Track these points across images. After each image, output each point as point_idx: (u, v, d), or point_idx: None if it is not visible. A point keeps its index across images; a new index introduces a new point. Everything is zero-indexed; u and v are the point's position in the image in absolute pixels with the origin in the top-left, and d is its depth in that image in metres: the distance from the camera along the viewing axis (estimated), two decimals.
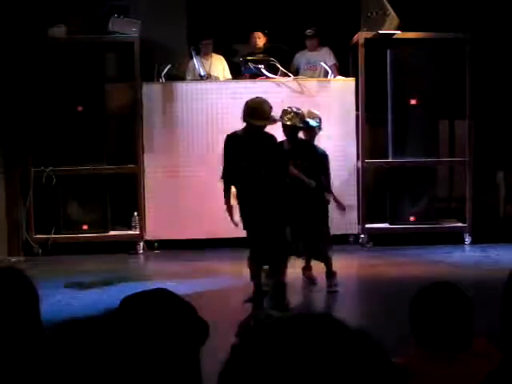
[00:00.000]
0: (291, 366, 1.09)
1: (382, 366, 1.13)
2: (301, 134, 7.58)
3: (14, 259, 9.54)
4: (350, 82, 10.18)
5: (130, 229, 10.02)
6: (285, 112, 7.36)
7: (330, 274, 7.42)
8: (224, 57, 10.90)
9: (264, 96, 9.79)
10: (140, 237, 9.94)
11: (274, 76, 10.12)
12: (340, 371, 1.09)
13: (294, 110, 7.38)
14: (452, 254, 9.47)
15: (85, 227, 10.00)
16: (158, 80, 10.14)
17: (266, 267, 7.33)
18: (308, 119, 7.44)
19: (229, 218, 6.86)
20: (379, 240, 9.96)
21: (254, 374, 1.11)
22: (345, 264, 8.23)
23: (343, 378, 1.09)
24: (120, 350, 1.89)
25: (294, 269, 7.43)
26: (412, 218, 10.17)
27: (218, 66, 10.79)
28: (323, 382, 1.08)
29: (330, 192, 7.52)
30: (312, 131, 7.54)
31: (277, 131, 7.27)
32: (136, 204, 9.97)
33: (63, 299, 7.34)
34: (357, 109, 10.08)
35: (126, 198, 10.10)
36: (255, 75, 10.19)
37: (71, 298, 7.43)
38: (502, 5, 10.88)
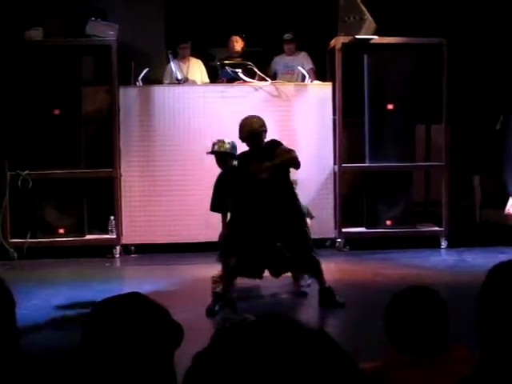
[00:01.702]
0: (251, 370, 1.09)
1: (342, 367, 1.13)
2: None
3: None
4: (327, 87, 10.21)
5: (106, 233, 9.98)
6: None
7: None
8: (202, 61, 10.91)
9: (241, 100, 9.90)
10: (117, 241, 9.91)
11: (251, 80, 10.13)
12: (300, 373, 1.09)
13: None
14: (428, 257, 9.51)
15: (61, 231, 9.95)
16: (135, 83, 10.12)
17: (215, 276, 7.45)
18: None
19: None
20: (356, 244, 9.99)
21: (215, 378, 1.11)
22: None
23: (303, 380, 1.09)
24: (93, 353, 1.88)
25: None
26: (389, 222, 10.20)
27: (196, 69, 10.79)
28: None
29: None
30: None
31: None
32: (112, 208, 9.94)
33: (39, 304, 7.29)
34: (334, 113, 10.11)
35: (103, 201, 10.06)
36: (233, 79, 10.19)
37: (47, 302, 7.38)
38: (477, 11, 10.97)
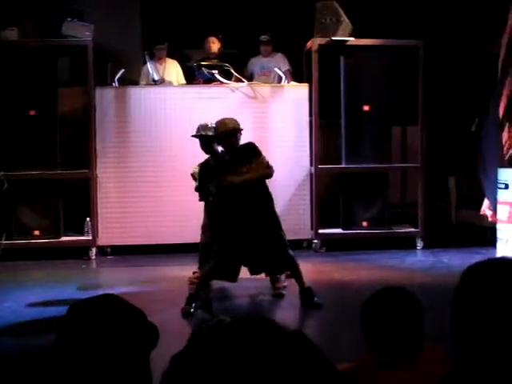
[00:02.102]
0: (227, 372, 1.09)
1: (319, 368, 1.13)
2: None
3: None
4: (304, 88, 10.22)
5: (82, 234, 9.93)
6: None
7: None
8: (178, 62, 10.89)
9: (218, 101, 9.89)
10: (92, 242, 9.86)
11: (227, 81, 10.12)
12: (277, 374, 1.09)
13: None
14: (404, 258, 9.55)
15: (36, 233, 9.88)
16: (112, 84, 10.08)
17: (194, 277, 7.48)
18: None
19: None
20: (332, 245, 10.01)
21: (191, 380, 1.11)
22: None
23: (281, 379, 1.09)
24: (68, 355, 1.87)
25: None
26: (365, 224, 10.23)
27: (172, 70, 10.77)
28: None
29: None
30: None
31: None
32: (88, 209, 9.89)
33: (13, 306, 7.25)
34: (310, 114, 10.12)
35: (79, 203, 10.01)
36: (209, 80, 10.19)
37: (21, 304, 7.33)
38: (453, 13, 11.03)
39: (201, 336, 1.16)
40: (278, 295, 7.55)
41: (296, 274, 7.14)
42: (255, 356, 1.10)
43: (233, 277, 7.08)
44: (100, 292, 2.18)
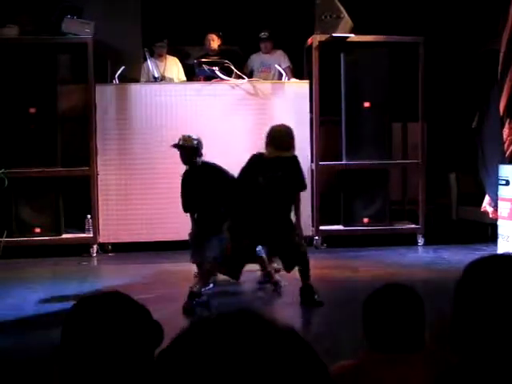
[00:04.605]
0: (216, 366, 1.08)
1: (308, 365, 1.12)
2: None
3: None
4: (304, 85, 10.22)
5: (83, 232, 9.93)
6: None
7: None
8: (178, 59, 10.88)
9: (218, 98, 9.89)
10: (93, 240, 9.86)
11: (228, 78, 10.12)
12: (266, 369, 1.08)
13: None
14: (405, 255, 9.55)
15: (37, 230, 9.89)
16: (112, 82, 10.08)
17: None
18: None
19: None
20: (333, 242, 10.01)
21: (176, 377, 1.11)
22: None
23: (269, 376, 1.08)
24: (73, 352, 1.87)
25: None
26: (366, 220, 10.24)
27: (173, 67, 10.77)
28: (250, 381, 1.08)
29: None
30: None
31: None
32: (89, 207, 9.89)
33: (14, 303, 7.25)
34: (311, 111, 10.12)
35: (80, 200, 10.02)
36: (210, 77, 10.19)
37: (23, 301, 7.33)
38: (453, 9, 11.02)
39: (186, 332, 1.15)
40: (278, 287, 7.53)
41: (305, 270, 7.12)
42: (239, 352, 1.09)
43: (236, 275, 7.10)
44: (99, 289, 2.18)
